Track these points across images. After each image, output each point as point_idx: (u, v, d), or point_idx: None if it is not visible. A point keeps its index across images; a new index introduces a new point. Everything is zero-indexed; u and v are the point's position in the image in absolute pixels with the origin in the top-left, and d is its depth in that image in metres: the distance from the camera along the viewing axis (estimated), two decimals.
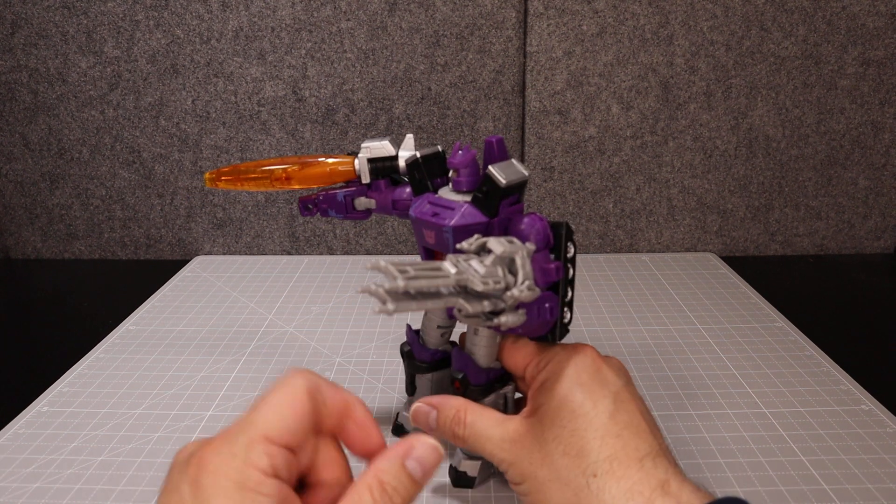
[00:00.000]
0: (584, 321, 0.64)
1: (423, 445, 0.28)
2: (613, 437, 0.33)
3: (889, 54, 0.74)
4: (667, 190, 0.80)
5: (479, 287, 0.29)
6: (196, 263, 0.81)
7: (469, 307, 0.29)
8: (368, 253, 0.84)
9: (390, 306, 0.25)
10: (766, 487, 0.42)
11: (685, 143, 0.78)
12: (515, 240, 0.33)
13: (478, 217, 0.37)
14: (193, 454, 0.25)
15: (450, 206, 0.38)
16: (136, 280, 0.78)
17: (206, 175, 0.47)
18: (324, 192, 0.46)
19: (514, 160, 0.38)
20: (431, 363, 0.44)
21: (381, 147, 0.43)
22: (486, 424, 0.37)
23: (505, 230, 0.37)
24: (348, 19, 0.74)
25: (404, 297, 0.27)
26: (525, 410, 0.38)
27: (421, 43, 0.75)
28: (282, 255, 0.84)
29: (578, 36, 0.74)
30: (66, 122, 0.79)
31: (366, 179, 0.44)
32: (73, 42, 0.76)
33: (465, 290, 0.30)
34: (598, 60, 0.75)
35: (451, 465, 0.43)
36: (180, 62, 0.76)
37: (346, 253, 0.84)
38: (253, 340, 0.62)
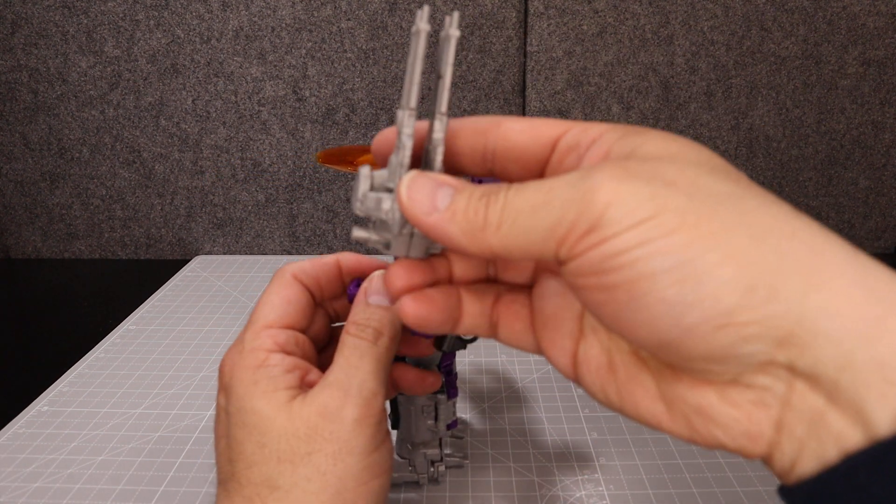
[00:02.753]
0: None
1: (377, 279, 0.30)
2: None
3: (889, 54, 0.74)
4: None
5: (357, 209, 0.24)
6: (196, 263, 0.81)
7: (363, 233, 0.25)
8: (369, 252, 0.84)
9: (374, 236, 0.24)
10: (766, 487, 0.42)
11: None
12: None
13: None
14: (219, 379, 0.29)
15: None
16: (136, 280, 0.78)
17: (317, 154, 0.50)
18: None
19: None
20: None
21: None
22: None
23: None
24: (349, 19, 0.74)
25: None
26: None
27: None
28: (282, 254, 0.84)
29: (579, 36, 0.74)
30: (66, 122, 0.79)
31: None
32: (74, 42, 0.76)
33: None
34: (598, 60, 0.75)
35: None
36: (180, 62, 0.76)
37: None
38: None
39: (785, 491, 0.20)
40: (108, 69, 0.77)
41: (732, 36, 0.74)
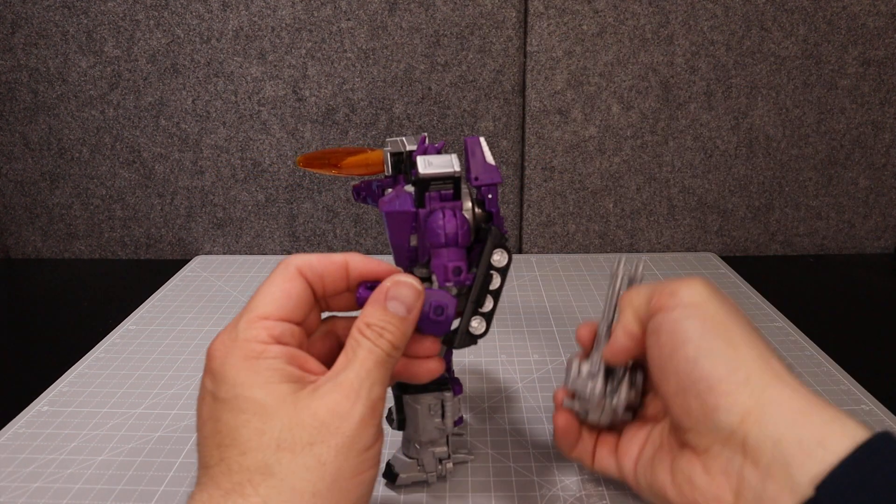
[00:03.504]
0: (584, 321, 0.64)
1: (397, 285, 0.31)
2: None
3: (889, 54, 0.74)
4: (667, 190, 0.80)
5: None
6: (196, 263, 0.81)
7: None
8: (369, 252, 0.84)
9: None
10: None
11: (685, 142, 0.78)
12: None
13: (406, 206, 0.36)
14: (205, 364, 0.30)
15: (400, 195, 0.38)
16: (136, 280, 0.78)
17: (298, 158, 0.50)
18: (364, 181, 0.48)
19: (454, 155, 0.37)
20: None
21: (396, 142, 0.44)
22: None
23: (425, 224, 0.36)
24: (348, 19, 0.74)
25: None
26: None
27: (421, 43, 0.75)
28: (282, 254, 0.84)
29: (579, 36, 0.74)
30: (66, 122, 0.79)
31: (388, 172, 0.45)
32: (74, 42, 0.76)
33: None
34: (598, 60, 0.75)
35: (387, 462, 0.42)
36: (180, 62, 0.76)
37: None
38: None
39: None
40: (108, 69, 0.77)
41: (732, 36, 0.74)
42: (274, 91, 0.77)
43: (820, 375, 0.54)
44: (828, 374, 0.55)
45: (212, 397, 0.28)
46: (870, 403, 0.50)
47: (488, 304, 0.36)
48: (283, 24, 0.74)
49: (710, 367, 0.30)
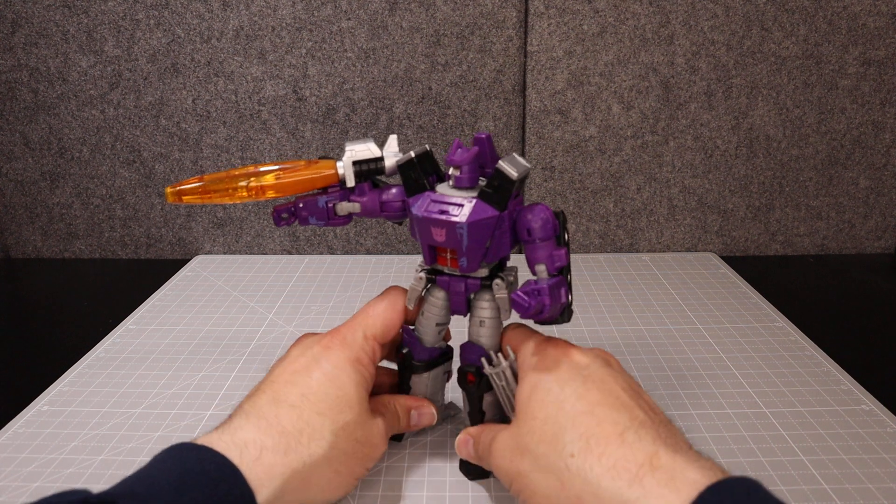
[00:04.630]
0: (584, 321, 0.64)
1: (426, 407, 0.44)
2: (586, 416, 0.33)
3: (890, 54, 0.74)
4: (667, 190, 0.80)
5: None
6: (196, 263, 0.81)
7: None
8: (369, 252, 0.84)
9: None
10: (767, 486, 0.42)
11: (686, 142, 0.78)
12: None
13: (489, 211, 0.37)
14: (317, 342, 0.40)
15: (457, 203, 0.38)
16: (136, 280, 0.78)
17: (168, 189, 0.43)
18: (302, 199, 0.43)
19: (515, 154, 0.39)
20: (428, 361, 0.45)
21: (365, 149, 0.41)
22: (497, 445, 0.38)
23: (513, 222, 0.39)
24: (349, 19, 0.74)
25: None
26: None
27: (421, 42, 0.75)
28: (282, 254, 0.84)
29: (579, 35, 0.74)
30: (66, 122, 0.79)
31: (351, 183, 0.42)
32: (74, 41, 0.75)
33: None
34: (598, 60, 0.75)
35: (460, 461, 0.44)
36: (181, 61, 0.76)
37: (347, 252, 0.84)
38: (253, 340, 0.62)
39: None
40: (108, 69, 0.77)
41: (732, 36, 0.74)
42: (274, 91, 0.77)
43: (820, 375, 0.54)
44: (828, 374, 0.55)
45: (314, 359, 0.39)
46: (870, 403, 0.50)
47: (569, 276, 0.40)
48: (284, 24, 0.74)
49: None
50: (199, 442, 0.33)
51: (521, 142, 0.79)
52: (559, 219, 0.38)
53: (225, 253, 0.84)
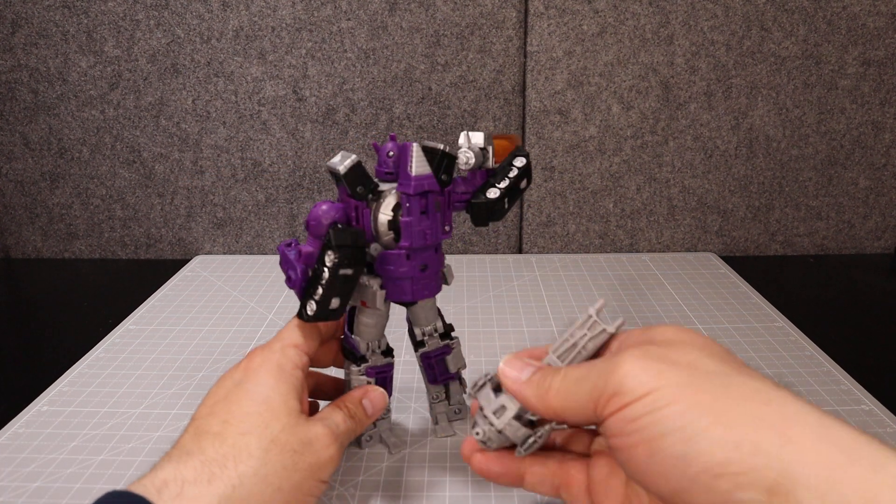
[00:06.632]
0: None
1: (374, 391, 0.42)
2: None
3: (890, 54, 0.74)
4: (667, 190, 0.80)
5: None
6: (196, 263, 0.81)
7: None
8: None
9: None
10: None
11: (685, 142, 0.78)
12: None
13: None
14: (236, 367, 0.39)
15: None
16: (136, 280, 0.78)
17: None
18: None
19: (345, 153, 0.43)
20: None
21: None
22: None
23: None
24: (349, 19, 0.74)
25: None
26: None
27: (421, 43, 0.75)
28: None
29: (579, 36, 0.74)
30: (66, 122, 0.79)
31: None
32: (74, 41, 0.76)
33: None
34: (598, 60, 0.75)
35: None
36: (181, 62, 0.76)
37: None
38: (253, 340, 0.62)
39: None
40: (108, 69, 0.77)
41: (732, 36, 0.74)
42: (274, 91, 0.77)
43: (820, 375, 0.54)
44: (828, 374, 0.55)
45: (235, 384, 0.37)
46: (870, 403, 0.50)
47: (318, 292, 0.39)
48: (284, 24, 0.74)
49: (706, 457, 0.25)
50: (122, 489, 0.32)
51: (521, 142, 0.79)
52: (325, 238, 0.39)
53: (225, 253, 0.84)
